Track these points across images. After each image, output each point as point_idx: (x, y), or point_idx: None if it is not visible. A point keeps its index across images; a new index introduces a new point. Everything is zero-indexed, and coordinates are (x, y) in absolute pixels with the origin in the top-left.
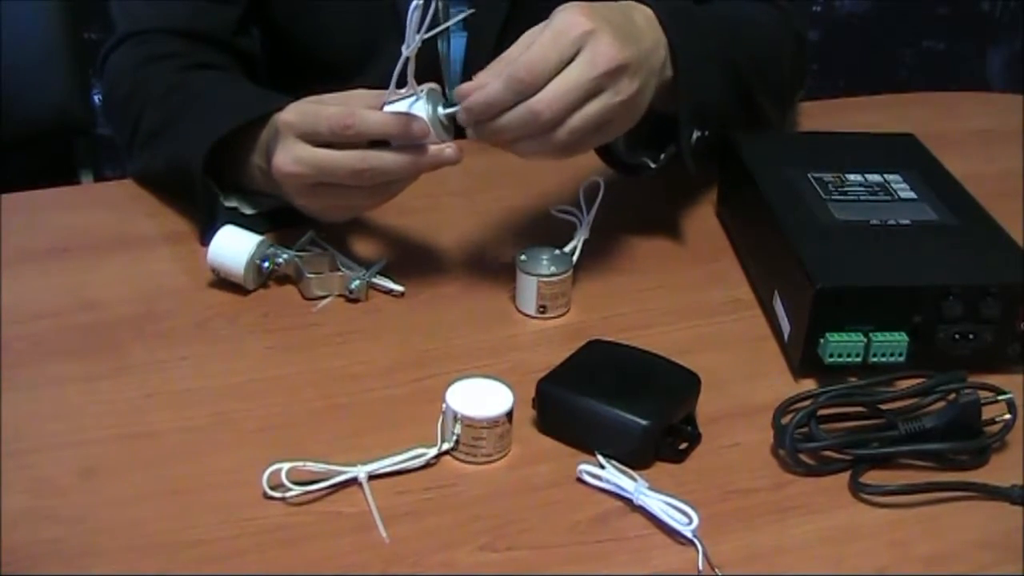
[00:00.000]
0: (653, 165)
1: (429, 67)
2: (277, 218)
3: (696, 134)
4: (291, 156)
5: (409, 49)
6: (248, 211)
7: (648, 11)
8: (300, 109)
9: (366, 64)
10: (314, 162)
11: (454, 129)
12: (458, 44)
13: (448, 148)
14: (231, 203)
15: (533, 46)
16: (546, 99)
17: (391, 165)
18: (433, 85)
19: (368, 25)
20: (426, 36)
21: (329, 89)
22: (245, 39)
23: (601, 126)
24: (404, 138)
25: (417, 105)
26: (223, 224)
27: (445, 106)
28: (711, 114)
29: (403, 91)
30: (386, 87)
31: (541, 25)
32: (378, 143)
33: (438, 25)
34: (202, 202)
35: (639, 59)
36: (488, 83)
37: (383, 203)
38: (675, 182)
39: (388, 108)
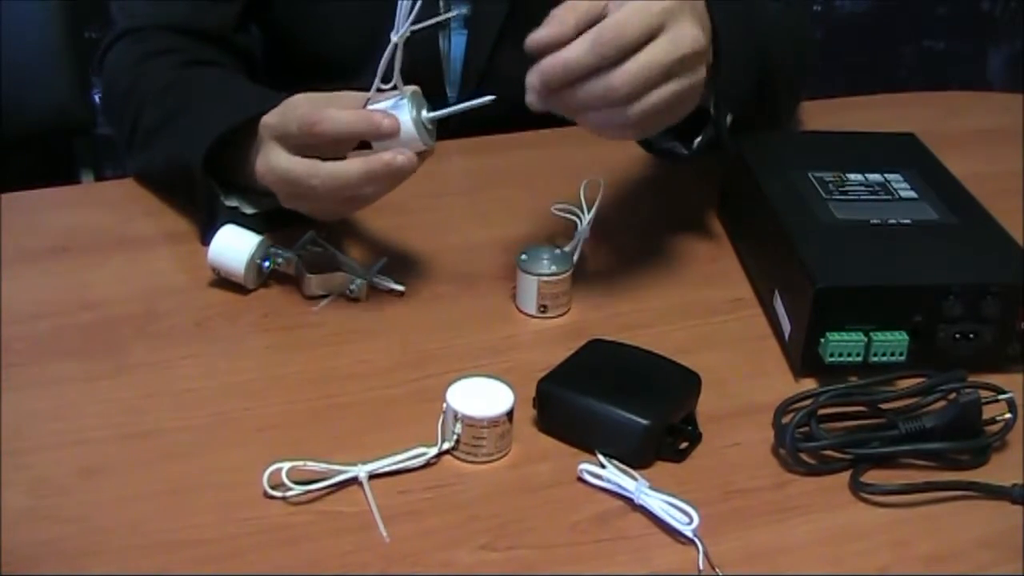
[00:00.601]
0: (686, 152)
1: (429, 65)
2: (278, 217)
3: (730, 117)
4: (264, 162)
5: (398, 36)
6: (249, 210)
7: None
8: (278, 110)
9: (366, 62)
10: (279, 170)
11: (436, 133)
12: (459, 42)
13: (400, 156)
14: (231, 202)
15: (623, 9)
16: (628, 74)
17: (343, 174)
18: (415, 88)
19: (368, 22)
20: (415, 28)
21: (328, 88)
22: (244, 36)
23: (667, 110)
24: (374, 136)
25: (398, 107)
26: (223, 223)
27: (429, 109)
28: (741, 100)
29: (387, 88)
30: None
31: None
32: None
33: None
34: (202, 201)
35: (708, 45)
36: (567, 38)
37: (358, 209)
38: (675, 182)
39: (369, 107)
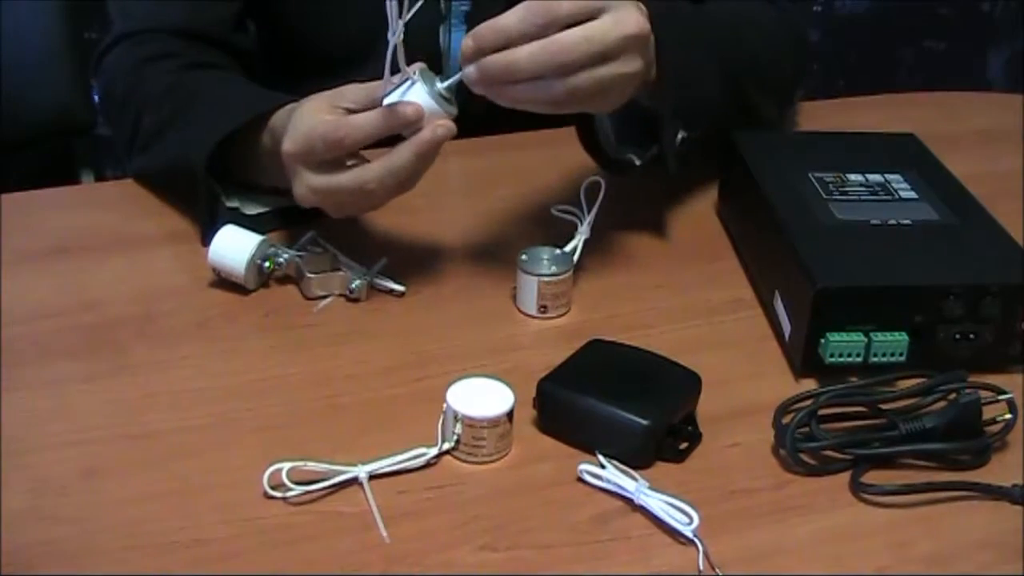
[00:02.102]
0: (638, 162)
1: (430, 61)
2: (278, 218)
3: (681, 135)
4: (304, 188)
5: (395, 36)
6: (249, 211)
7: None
8: (293, 137)
9: (367, 58)
10: (324, 190)
11: (457, 100)
12: (459, 37)
13: (439, 128)
14: (232, 203)
15: None
16: (569, 43)
17: (397, 168)
18: (421, 65)
19: (368, 18)
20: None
21: (328, 84)
22: (241, 36)
23: (600, 93)
24: (401, 128)
25: (413, 89)
26: (224, 224)
27: (442, 80)
28: (702, 114)
29: (396, 79)
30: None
31: None
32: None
33: (442, 19)
34: (204, 202)
35: (649, 34)
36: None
37: (409, 190)
38: (675, 182)
39: (386, 101)
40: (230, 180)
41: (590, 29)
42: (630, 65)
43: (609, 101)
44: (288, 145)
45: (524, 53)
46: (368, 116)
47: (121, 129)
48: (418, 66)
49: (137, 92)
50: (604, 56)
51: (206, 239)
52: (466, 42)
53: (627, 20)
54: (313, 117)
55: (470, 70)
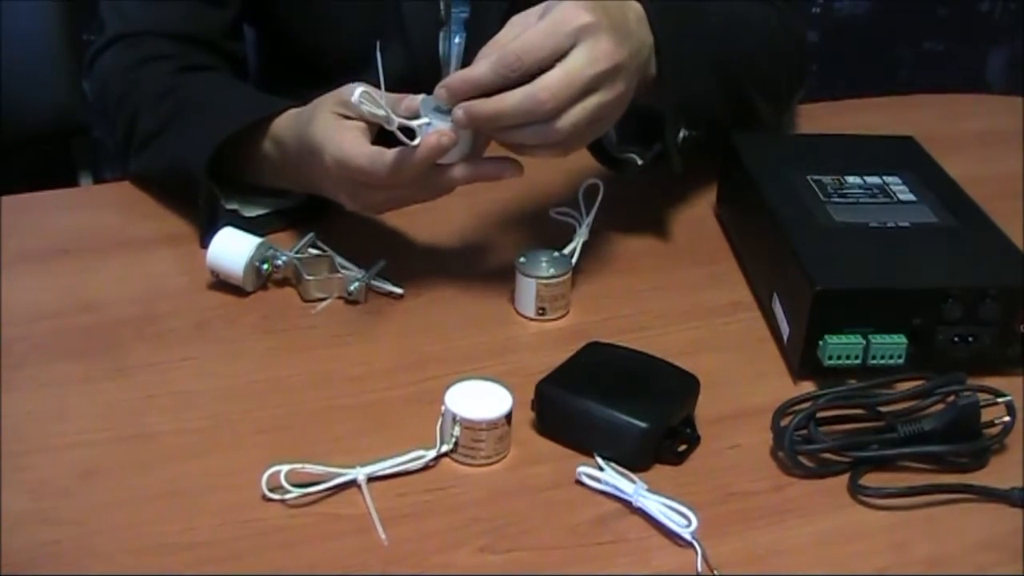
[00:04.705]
0: (640, 162)
1: (429, 67)
2: (277, 220)
3: (683, 133)
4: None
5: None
6: (248, 213)
7: (639, 9)
8: (326, 176)
9: (368, 60)
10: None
11: None
12: (458, 44)
13: (443, 136)
14: (231, 205)
15: (528, 32)
16: (550, 87)
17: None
18: (423, 97)
19: (371, 24)
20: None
21: (327, 90)
22: (235, 43)
23: (596, 121)
24: (440, 154)
25: (434, 113)
26: (223, 226)
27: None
28: (701, 113)
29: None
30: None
31: (535, 11)
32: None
33: (441, 24)
34: (204, 204)
35: (630, 59)
36: (474, 65)
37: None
38: (674, 183)
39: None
40: (228, 182)
41: (569, 70)
42: (613, 91)
43: (604, 126)
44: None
45: (509, 106)
46: (404, 158)
47: (116, 130)
48: (420, 99)
49: (133, 93)
50: (587, 91)
51: (205, 241)
52: (439, 92)
53: (600, 54)
54: (344, 161)
55: (458, 113)
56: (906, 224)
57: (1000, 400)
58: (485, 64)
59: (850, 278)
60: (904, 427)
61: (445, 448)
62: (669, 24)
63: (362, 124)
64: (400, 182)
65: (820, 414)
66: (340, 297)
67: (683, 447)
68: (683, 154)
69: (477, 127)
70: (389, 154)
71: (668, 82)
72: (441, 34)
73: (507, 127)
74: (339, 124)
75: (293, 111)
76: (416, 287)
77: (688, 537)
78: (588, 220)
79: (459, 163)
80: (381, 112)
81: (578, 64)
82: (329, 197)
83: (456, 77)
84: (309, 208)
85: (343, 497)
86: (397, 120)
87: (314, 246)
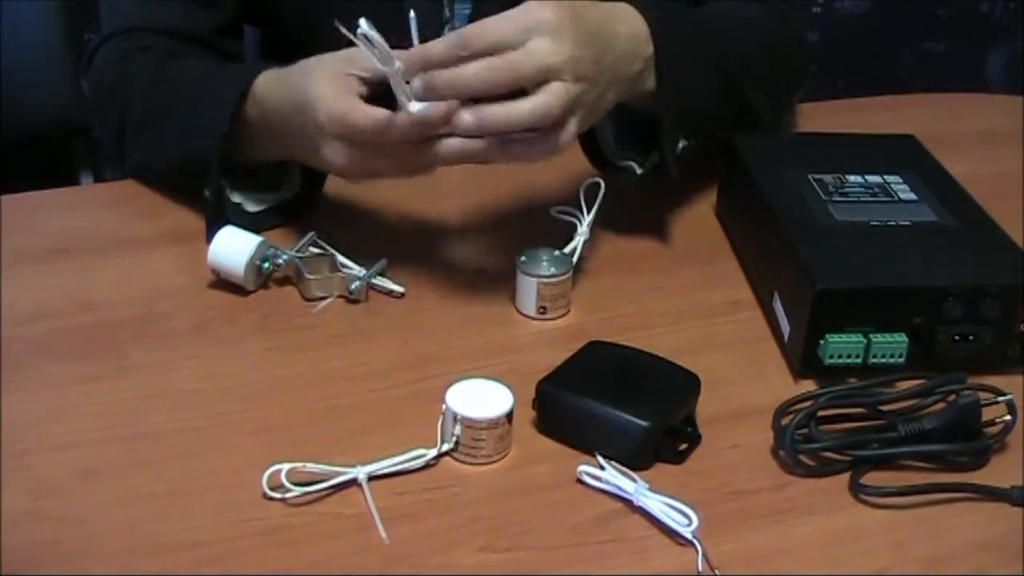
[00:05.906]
0: (640, 171)
1: None
2: (279, 214)
3: (683, 143)
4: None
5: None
6: (251, 208)
7: (637, 26)
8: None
9: None
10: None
11: None
12: None
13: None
14: (235, 198)
15: (487, 19)
16: (515, 60)
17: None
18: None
19: (377, 25)
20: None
21: None
22: (232, 41)
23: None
24: (433, 124)
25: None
26: (224, 225)
27: None
28: (701, 120)
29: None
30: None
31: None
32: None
33: (444, 22)
34: (212, 199)
35: (593, 64)
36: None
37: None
38: (675, 184)
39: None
40: (223, 170)
41: (526, 51)
42: (553, 95)
43: (582, 124)
44: (324, 120)
45: (471, 70)
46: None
47: (109, 122)
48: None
49: (122, 83)
50: (537, 82)
51: (210, 234)
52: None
53: (553, 51)
54: (339, 98)
55: (416, 83)
56: (907, 223)
57: (1000, 399)
58: (441, 41)
59: (851, 277)
60: (904, 426)
61: (446, 447)
62: (669, 33)
63: (359, 87)
64: (390, 140)
65: (821, 413)
66: (341, 296)
67: (684, 446)
68: (682, 163)
69: (434, 91)
70: (384, 112)
71: (669, 92)
72: (446, 30)
73: (464, 96)
74: (337, 81)
75: (271, 72)
76: (417, 286)
77: (689, 536)
78: (589, 219)
79: (448, 139)
80: (385, 48)
81: (535, 52)
82: (310, 159)
83: (411, 51)
84: (304, 198)
85: (343, 496)
86: (397, 63)
87: (315, 245)
